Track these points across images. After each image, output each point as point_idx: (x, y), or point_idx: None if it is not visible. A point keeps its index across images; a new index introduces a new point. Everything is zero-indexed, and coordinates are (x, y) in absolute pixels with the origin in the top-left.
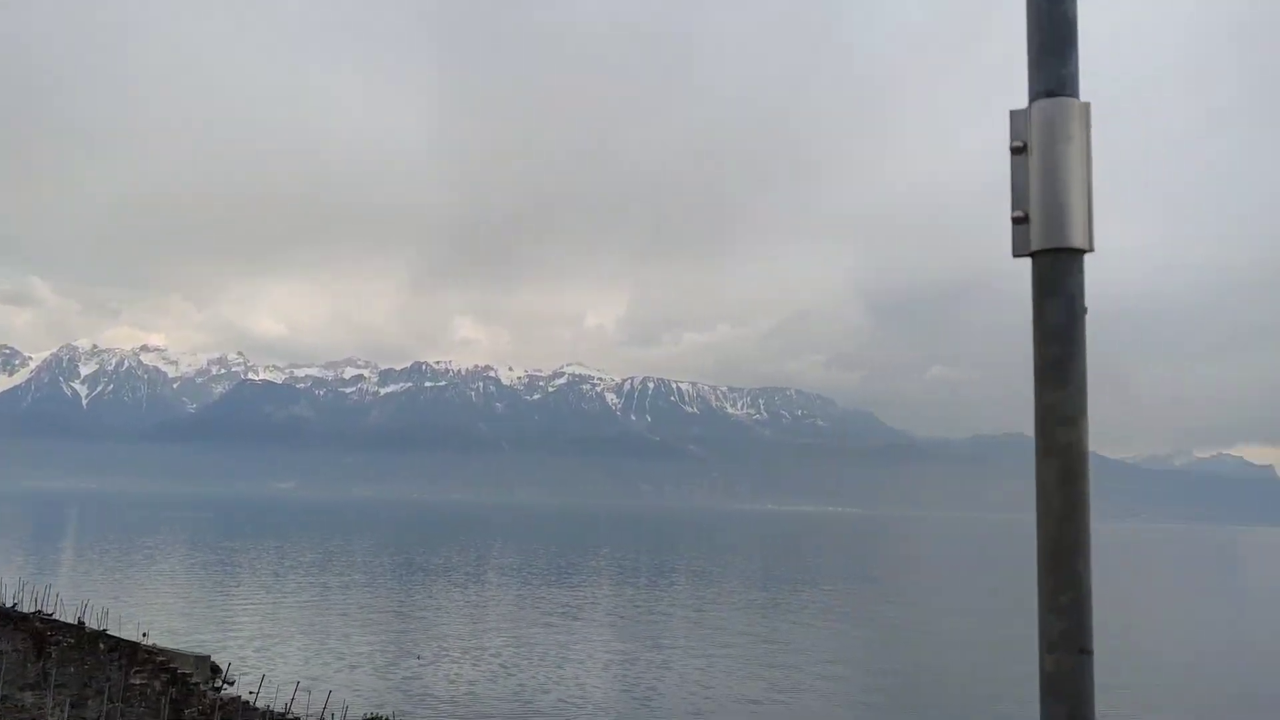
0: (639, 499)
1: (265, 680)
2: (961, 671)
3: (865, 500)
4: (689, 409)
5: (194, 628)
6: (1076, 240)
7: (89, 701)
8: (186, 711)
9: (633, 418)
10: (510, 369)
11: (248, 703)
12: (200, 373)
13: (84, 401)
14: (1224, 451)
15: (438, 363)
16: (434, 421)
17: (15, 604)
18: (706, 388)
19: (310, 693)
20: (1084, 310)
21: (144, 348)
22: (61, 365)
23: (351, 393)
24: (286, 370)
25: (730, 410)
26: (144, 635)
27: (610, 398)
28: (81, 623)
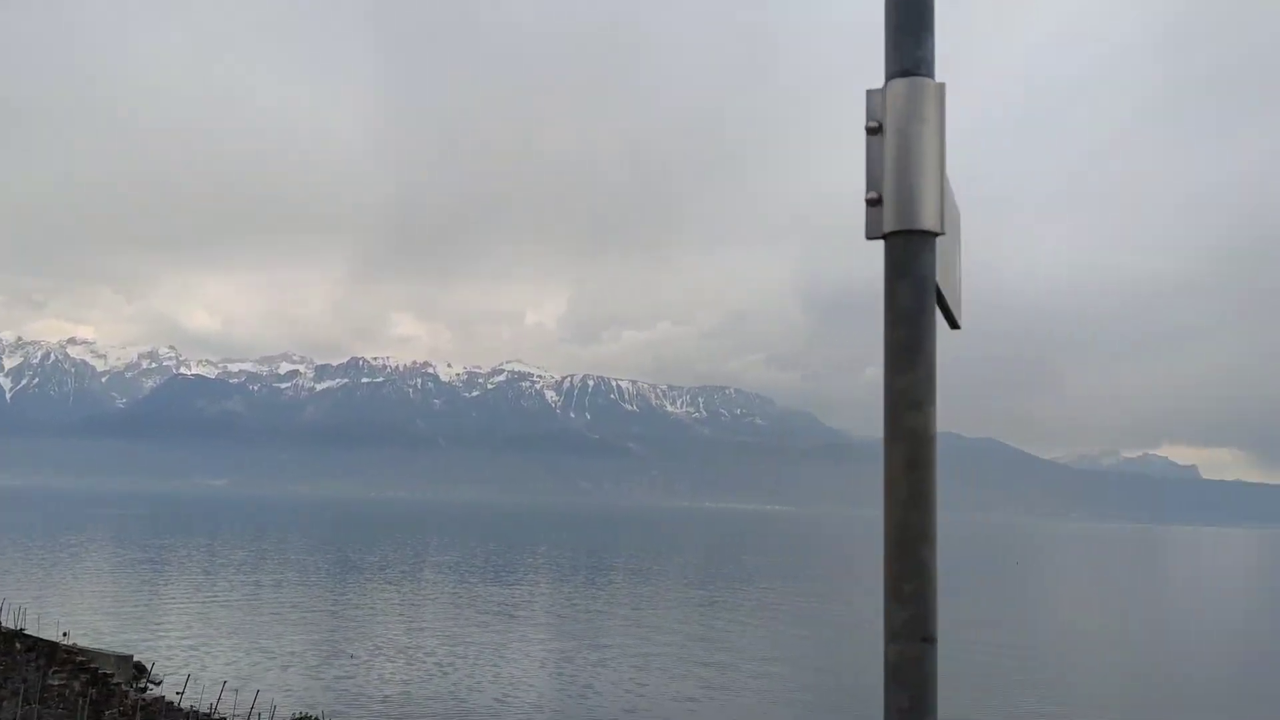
0: (578, 497)
1: (192, 680)
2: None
3: (803, 499)
4: (628, 407)
5: (119, 627)
6: (928, 222)
7: (3, 703)
8: (107, 712)
9: (572, 415)
10: (449, 366)
11: (172, 703)
12: (130, 367)
13: (7, 395)
14: (1150, 452)
15: (375, 359)
16: (371, 418)
17: None
18: (646, 386)
19: (238, 692)
20: (935, 293)
21: (71, 340)
22: None
23: (286, 388)
24: (220, 365)
25: (670, 409)
26: (64, 635)
27: (550, 395)
28: None
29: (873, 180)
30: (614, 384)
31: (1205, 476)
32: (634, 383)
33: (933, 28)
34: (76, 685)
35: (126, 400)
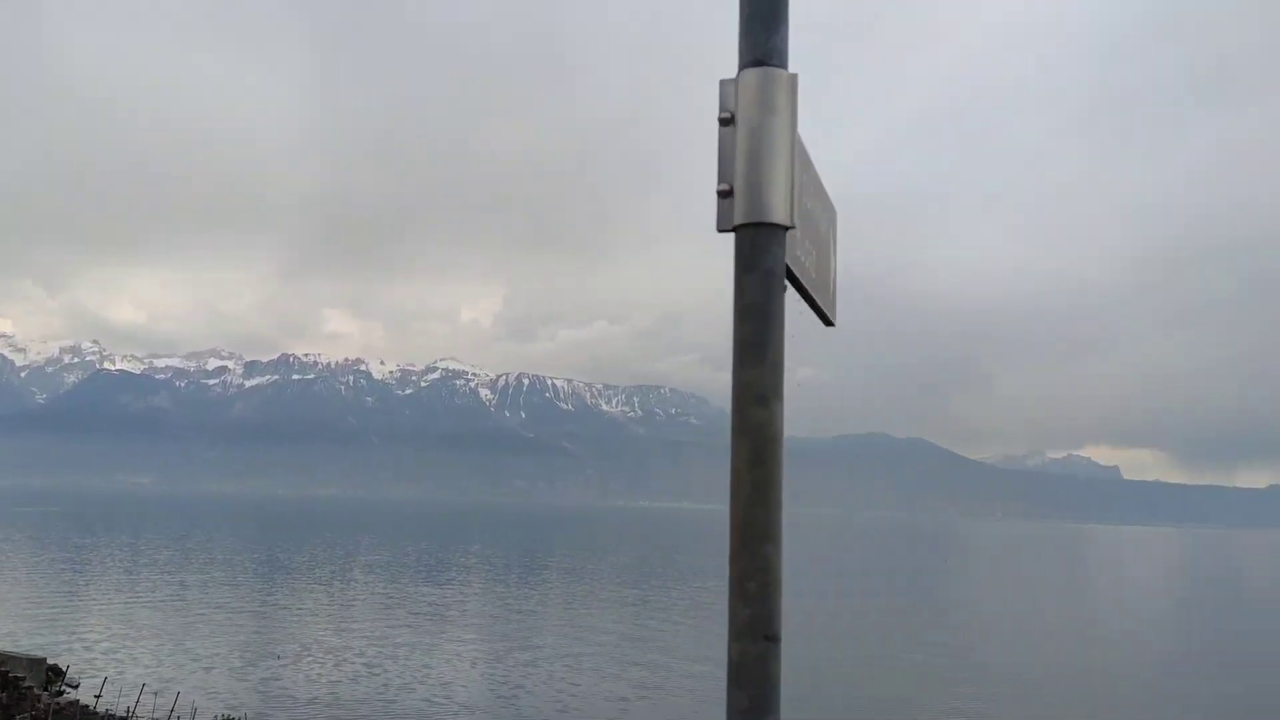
0: (512, 496)
1: (110, 683)
2: (820, 665)
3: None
4: (564, 406)
5: (35, 629)
6: (778, 215)
7: None
8: (18, 716)
9: (507, 414)
10: (382, 363)
11: (88, 706)
12: (51, 361)
13: None
14: (1074, 453)
15: (306, 355)
16: (301, 415)
17: None
18: (581, 385)
19: (159, 695)
20: (784, 288)
21: None
22: None
23: (214, 384)
24: (145, 360)
25: (605, 408)
26: None
27: (484, 393)
28: None
29: (724, 172)
30: (549, 383)
31: (1127, 477)
32: (569, 381)
33: (787, 18)
34: None
35: (47, 396)
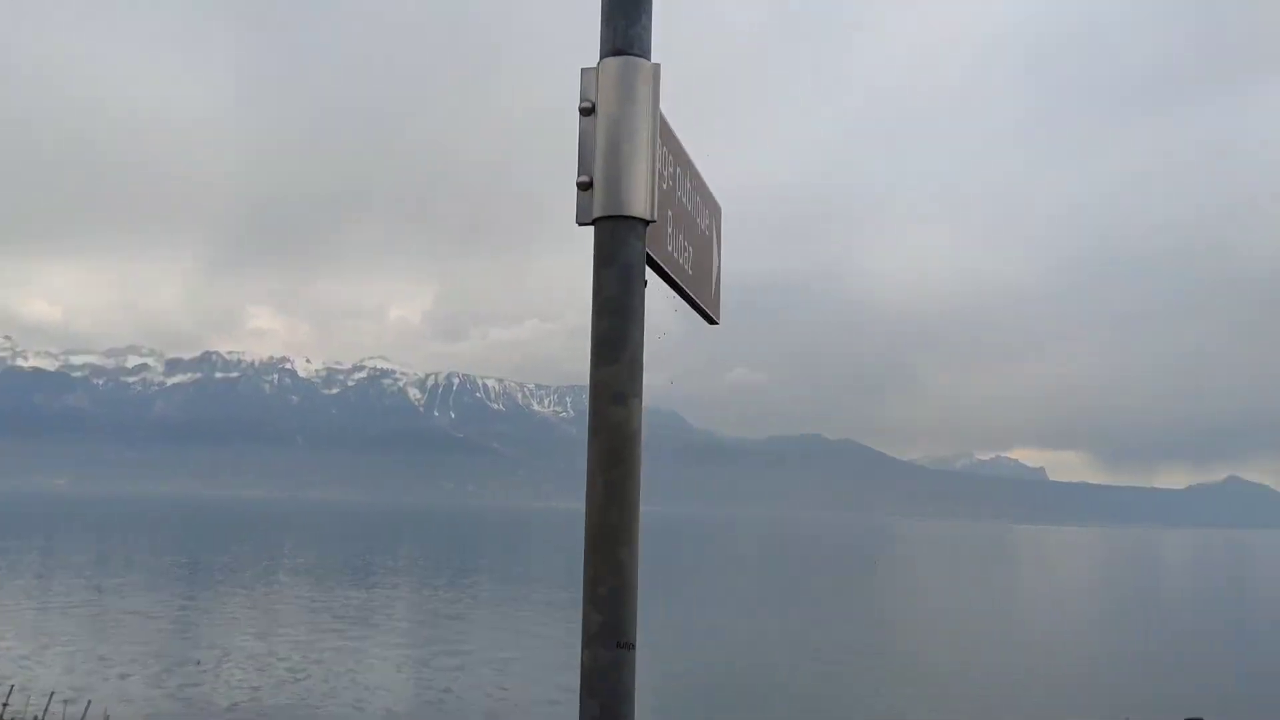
0: (442, 497)
1: (17, 690)
2: (747, 669)
3: (670, 499)
4: (495, 406)
5: None
6: (638, 208)
7: None
8: None
9: (436, 414)
10: (308, 361)
11: None
12: None
13: None
14: (1001, 454)
15: (230, 353)
16: (224, 414)
17: None
18: (513, 384)
19: (69, 704)
20: (644, 283)
21: None
22: None
23: (134, 382)
24: (61, 357)
25: (537, 407)
26: None
27: (413, 393)
28: None
29: (584, 163)
30: (480, 382)
31: (1053, 478)
32: (500, 381)
33: (650, 7)
34: None
35: None
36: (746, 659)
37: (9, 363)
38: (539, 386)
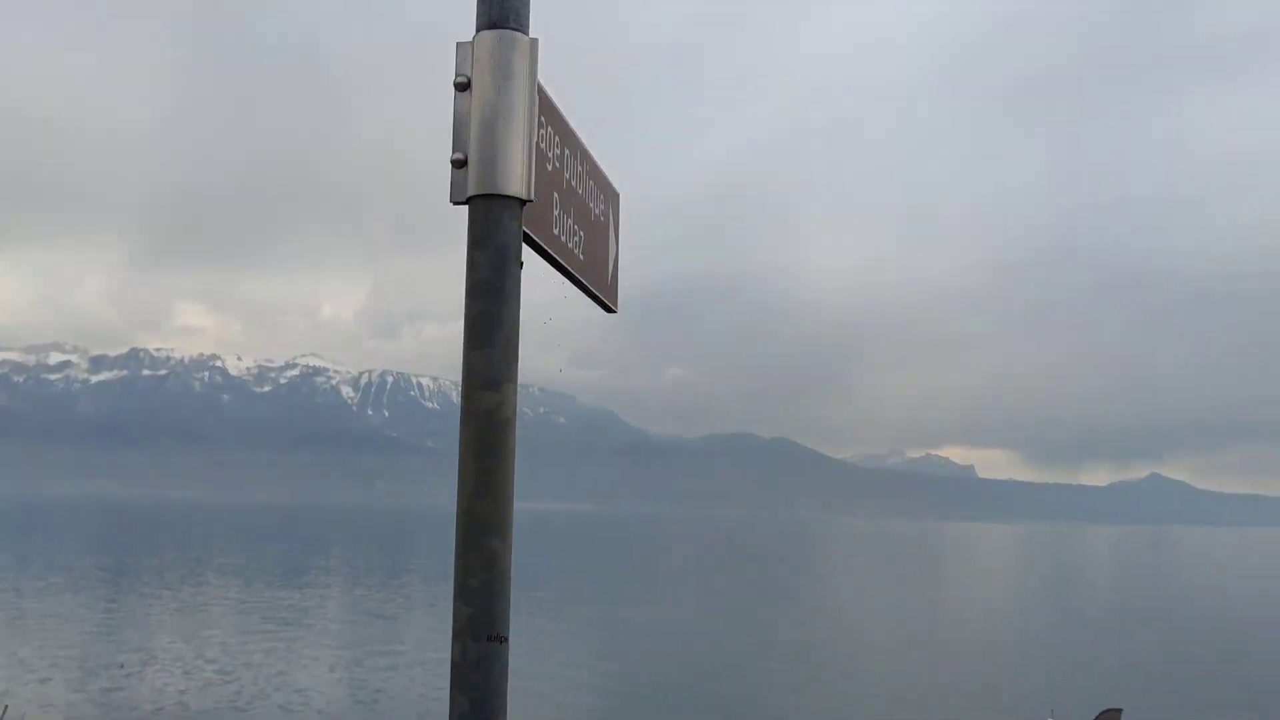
0: (375, 497)
1: None
2: (684, 670)
3: (604, 498)
4: (429, 404)
5: None
6: (514, 187)
7: None
8: None
9: (369, 412)
10: (239, 359)
11: None
12: None
13: None
14: (932, 452)
15: (158, 350)
16: (152, 413)
17: None
18: (448, 383)
19: None
20: (520, 265)
21: None
22: None
23: (57, 380)
24: None
25: None
26: None
27: (346, 391)
28: None
29: (459, 140)
30: (414, 381)
31: (982, 475)
32: (435, 380)
33: None
34: None
35: None
36: (663, 655)
37: None
38: None
